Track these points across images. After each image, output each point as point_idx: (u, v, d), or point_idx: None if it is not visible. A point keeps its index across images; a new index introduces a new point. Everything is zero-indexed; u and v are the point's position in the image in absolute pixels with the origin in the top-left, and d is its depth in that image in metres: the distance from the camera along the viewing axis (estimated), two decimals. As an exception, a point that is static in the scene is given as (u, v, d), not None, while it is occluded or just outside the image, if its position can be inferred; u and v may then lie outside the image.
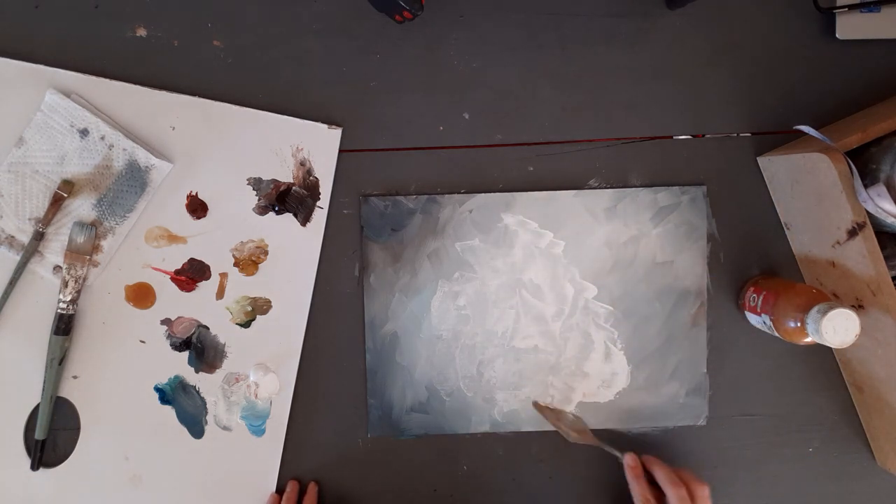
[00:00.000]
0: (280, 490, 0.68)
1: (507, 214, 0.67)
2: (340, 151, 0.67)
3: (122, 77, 0.66)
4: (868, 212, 0.56)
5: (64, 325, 0.65)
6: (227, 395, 0.68)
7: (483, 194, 0.67)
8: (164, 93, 0.66)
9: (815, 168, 0.58)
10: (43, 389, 0.65)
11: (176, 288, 0.67)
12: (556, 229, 0.68)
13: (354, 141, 0.67)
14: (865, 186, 0.55)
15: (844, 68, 0.67)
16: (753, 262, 0.69)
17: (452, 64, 0.67)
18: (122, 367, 0.67)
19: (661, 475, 0.62)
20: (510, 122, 0.68)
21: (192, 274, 0.67)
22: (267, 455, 0.68)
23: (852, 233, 0.57)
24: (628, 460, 0.64)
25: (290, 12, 0.67)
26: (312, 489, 0.68)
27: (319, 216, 0.67)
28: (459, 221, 0.67)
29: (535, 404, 0.68)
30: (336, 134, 0.67)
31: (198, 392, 0.67)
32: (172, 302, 0.67)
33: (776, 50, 0.67)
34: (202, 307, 0.67)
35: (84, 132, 0.65)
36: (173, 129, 0.66)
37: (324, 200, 0.67)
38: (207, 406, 0.68)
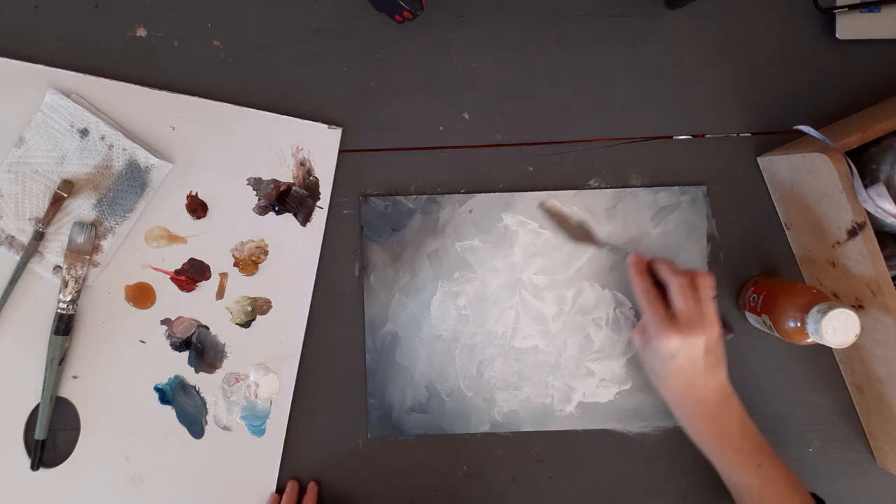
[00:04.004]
0: (280, 490, 0.68)
1: (507, 214, 0.67)
2: (340, 151, 0.67)
3: (122, 77, 0.66)
4: (868, 212, 0.56)
5: (64, 325, 0.65)
6: (227, 395, 0.68)
7: (483, 194, 0.67)
8: (164, 93, 0.66)
9: (815, 168, 0.58)
10: (43, 389, 0.65)
11: (176, 288, 0.67)
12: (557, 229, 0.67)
13: (354, 141, 0.67)
14: (865, 186, 0.55)
15: (844, 68, 0.67)
16: (753, 262, 0.69)
17: (452, 64, 0.67)
18: (122, 367, 0.67)
19: (663, 267, 0.61)
20: (510, 122, 0.68)
21: (192, 274, 0.67)
22: (267, 455, 0.68)
23: (852, 233, 0.57)
24: (632, 257, 0.63)
25: (290, 12, 0.67)
26: (312, 489, 0.68)
27: (319, 216, 0.67)
28: (459, 221, 0.67)
29: (542, 205, 0.66)
30: (336, 134, 0.67)
31: (198, 392, 0.67)
32: (172, 302, 0.67)
33: (776, 50, 0.67)
34: (202, 307, 0.67)
35: (84, 132, 0.65)
36: (173, 129, 0.66)
37: (324, 200, 0.67)
38: (207, 406, 0.68)
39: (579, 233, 0.66)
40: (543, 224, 0.67)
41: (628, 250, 0.64)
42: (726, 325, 0.63)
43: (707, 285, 0.59)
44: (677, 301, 0.59)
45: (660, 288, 0.61)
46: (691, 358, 0.58)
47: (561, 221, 0.66)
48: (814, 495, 0.58)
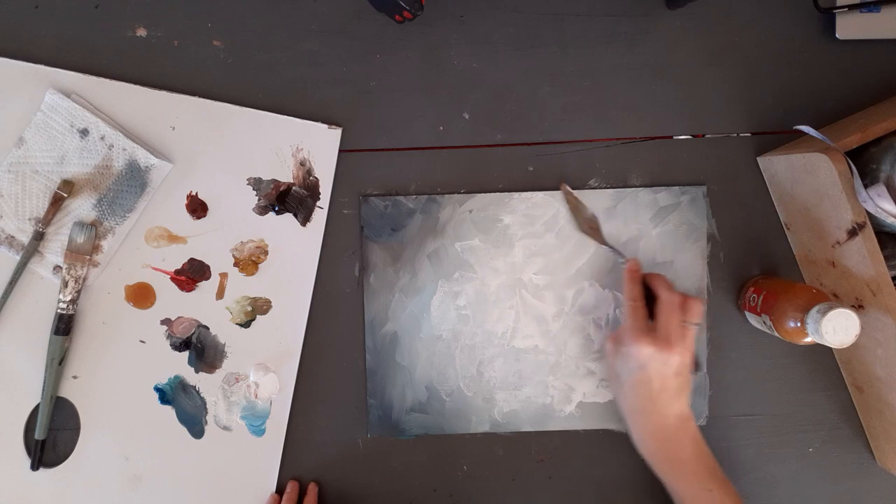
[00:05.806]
0: (280, 490, 0.68)
1: (507, 214, 0.67)
2: (340, 151, 0.67)
3: (122, 77, 0.66)
4: (868, 212, 0.56)
5: (64, 325, 0.65)
6: (227, 395, 0.68)
7: (483, 194, 0.67)
8: (164, 93, 0.66)
9: (815, 168, 0.58)
10: (43, 389, 0.65)
11: (176, 288, 0.67)
12: (557, 229, 0.67)
13: (354, 141, 0.67)
14: (865, 186, 0.55)
15: (844, 68, 0.67)
16: (753, 262, 0.69)
17: (452, 64, 0.67)
18: (122, 367, 0.67)
19: (658, 281, 0.62)
20: (510, 122, 0.68)
21: (192, 274, 0.67)
22: (267, 455, 0.68)
23: (852, 233, 0.57)
24: (630, 262, 0.64)
25: (290, 12, 0.67)
26: (312, 489, 0.68)
27: (319, 216, 0.67)
28: (459, 221, 0.67)
29: (563, 186, 0.67)
30: (336, 134, 0.67)
31: (198, 392, 0.67)
32: (172, 302, 0.67)
33: (776, 50, 0.67)
34: (202, 307, 0.67)
35: (84, 132, 0.65)
36: (173, 129, 0.66)
37: (324, 200, 0.67)
38: (207, 406, 0.68)
39: (589, 225, 0.67)
40: (560, 205, 0.68)
41: (629, 257, 0.65)
42: (696, 362, 0.64)
43: (696, 311, 0.60)
44: (662, 315, 0.60)
45: (649, 303, 0.62)
46: (660, 374, 0.59)
47: (575, 208, 0.67)
48: None
